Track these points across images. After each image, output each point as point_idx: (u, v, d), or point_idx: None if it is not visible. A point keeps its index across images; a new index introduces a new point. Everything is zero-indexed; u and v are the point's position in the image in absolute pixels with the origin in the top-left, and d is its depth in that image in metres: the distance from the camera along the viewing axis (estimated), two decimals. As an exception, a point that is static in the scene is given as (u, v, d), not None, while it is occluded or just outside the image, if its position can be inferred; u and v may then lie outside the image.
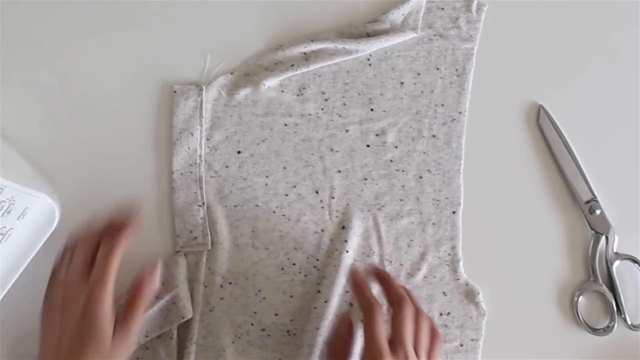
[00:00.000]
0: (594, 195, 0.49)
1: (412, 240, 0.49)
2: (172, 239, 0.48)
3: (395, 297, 0.43)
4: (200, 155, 0.48)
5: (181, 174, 0.48)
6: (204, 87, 0.48)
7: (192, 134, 0.48)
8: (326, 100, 0.49)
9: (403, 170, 0.49)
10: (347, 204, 0.49)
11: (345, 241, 0.48)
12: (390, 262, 0.48)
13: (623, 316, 0.48)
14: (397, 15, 0.50)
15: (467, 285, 0.48)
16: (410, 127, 0.50)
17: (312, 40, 0.49)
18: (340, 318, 0.46)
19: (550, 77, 0.52)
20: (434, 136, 0.50)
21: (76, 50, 0.50)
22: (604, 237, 0.49)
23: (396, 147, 0.49)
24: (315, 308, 0.47)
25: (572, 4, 0.53)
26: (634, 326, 0.48)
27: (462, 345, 0.48)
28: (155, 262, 0.44)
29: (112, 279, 0.40)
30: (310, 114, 0.49)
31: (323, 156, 0.49)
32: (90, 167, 0.49)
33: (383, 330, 0.41)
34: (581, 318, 0.48)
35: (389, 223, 0.49)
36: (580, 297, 0.48)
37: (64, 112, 0.50)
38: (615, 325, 0.48)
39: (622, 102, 0.52)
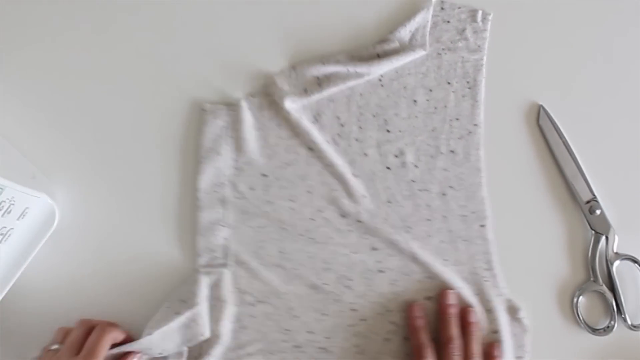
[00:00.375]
0: (594, 195, 0.49)
1: (446, 260, 0.48)
2: (193, 257, 0.48)
3: (446, 339, 0.44)
4: (227, 176, 0.48)
5: (206, 193, 0.48)
6: (235, 107, 0.48)
7: (220, 154, 0.48)
8: (342, 125, 0.49)
9: (426, 190, 0.49)
10: (375, 227, 0.48)
11: (379, 262, 0.48)
12: (432, 279, 0.48)
13: (623, 316, 0.48)
14: (404, 33, 0.50)
15: (509, 301, 0.48)
16: (428, 144, 0.49)
17: (323, 64, 0.49)
18: None
19: (550, 77, 0.52)
20: (452, 151, 0.49)
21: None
22: (604, 237, 0.49)
23: (416, 166, 0.49)
24: (350, 326, 0.47)
25: (571, 5, 0.53)
26: (634, 326, 0.48)
27: None
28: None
29: (99, 357, 0.41)
30: (327, 141, 0.49)
31: (347, 181, 0.48)
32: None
33: None
34: (581, 318, 0.48)
35: (420, 244, 0.48)
36: (580, 297, 0.48)
37: (68, 112, 0.50)
38: (615, 325, 0.48)
39: (622, 102, 0.52)
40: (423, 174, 0.49)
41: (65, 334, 0.43)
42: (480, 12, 0.51)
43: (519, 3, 0.53)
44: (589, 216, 0.49)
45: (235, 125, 0.48)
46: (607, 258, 0.49)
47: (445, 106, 0.50)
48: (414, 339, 0.45)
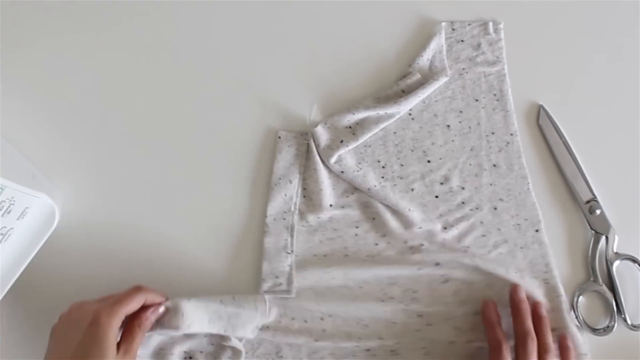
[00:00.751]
0: (594, 195, 0.49)
1: (506, 270, 0.48)
2: (256, 281, 0.48)
3: (521, 333, 0.44)
4: (295, 204, 0.49)
5: (274, 220, 0.48)
6: (309, 137, 0.49)
7: (291, 182, 0.49)
8: (383, 167, 0.50)
9: (477, 208, 0.49)
10: (436, 249, 0.48)
11: (442, 275, 0.48)
12: (494, 286, 0.48)
13: (623, 316, 0.48)
14: (423, 62, 0.51)
15: (567, 301, 0.48)
16: (470, 164, 0.50)
17: (353, 113, 0.49)
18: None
19: (550, 77, 0.52)
20: (494, 165, 0.50)
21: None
22: (604, 237, 0.49)
23: (463, 188, 0.49)
24: (418, 331, 0.47)
25: (572, 5, 0.53)
26: (634, 326, 0.48)
27: None
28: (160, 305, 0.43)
29: (125, 306, 0.40)
30: (375, 185, 0.49)
31: (403, 214, 0.48)
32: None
33: None
34: (581, 318, 0.48)
35: (481, 259, 0.48)
36: (580, 297, 0.48)
37: (69, 113, 0.50)
38: (615, 325, 0.48)
39: (622, 103, 0.52)
40: (471, 193, 0.49)
41: None
42: (491, 24, 0.51)
43: (519, 5, 0.53)
44: (589, 216, 0.49)
45: (305, 154, 0.49)
46: (607, 258, 0.49)
47: (479, 123, 0.50)
48: (491, 334, 0.45)
